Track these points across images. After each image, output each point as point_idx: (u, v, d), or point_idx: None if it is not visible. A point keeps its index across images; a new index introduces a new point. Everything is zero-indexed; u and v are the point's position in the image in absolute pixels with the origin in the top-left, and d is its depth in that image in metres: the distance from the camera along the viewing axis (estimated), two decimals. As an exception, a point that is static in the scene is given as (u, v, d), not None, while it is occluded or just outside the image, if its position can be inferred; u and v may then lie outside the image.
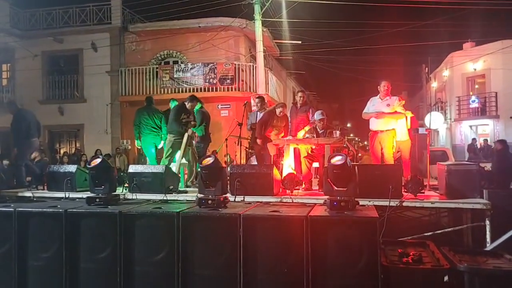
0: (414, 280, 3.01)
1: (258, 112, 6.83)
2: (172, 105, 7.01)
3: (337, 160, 3.28)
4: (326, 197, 3.76)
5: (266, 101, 7.67)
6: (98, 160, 3.81)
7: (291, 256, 3.03)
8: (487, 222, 4.11)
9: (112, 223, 3.31)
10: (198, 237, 3.23)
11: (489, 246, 4.00)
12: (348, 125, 37.98)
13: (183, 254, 3.18)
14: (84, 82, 14.40)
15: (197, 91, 13.24)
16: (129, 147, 14.36)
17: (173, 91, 13.50)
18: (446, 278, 3.21)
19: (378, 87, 5.76)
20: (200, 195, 3.61)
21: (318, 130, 5.55)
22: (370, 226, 2.99)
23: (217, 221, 3.22)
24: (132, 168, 5.31)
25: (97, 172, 3.76)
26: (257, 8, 12.57)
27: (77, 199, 4.53)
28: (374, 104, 5.77)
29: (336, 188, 3.40)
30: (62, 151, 14.26)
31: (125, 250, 3.28)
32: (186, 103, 6.06)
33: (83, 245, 3.40)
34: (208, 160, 3.52)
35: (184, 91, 13.43)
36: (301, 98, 6.27)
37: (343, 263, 3.00)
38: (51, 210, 3.52)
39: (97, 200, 3.66)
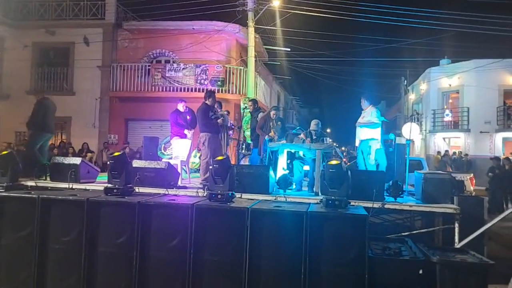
0: (395, 269, 3.52)
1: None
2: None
3: (333, 161, 3.77)
4: (319, 197, 4.25)
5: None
6: (119, 153, 4.15)
7: (291, 245, 3.48)
8: (456, 225, 4.69)
9: (131, 212, 3.65)
10: (210, 227, 3.62)
11: (457, 245, 4.59)
12: (328, 130, 39.11)
13: (195, 242, 3.56)
14: (74, 75, 14.40)
15: (188, 91, 13.55)
16: (116, 141, 14.47)
17: (164, 90, 13.76)
18: (420, 271, 3.75)
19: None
20: (209, 190, 4.00)
21: (313, 136, 6.07)
22: (360, 222, 3.48)
23: (228, 213, 3.64)
24: (136, 163, 5.61)
25: (115, 164, 4.08)
26: (250, 15, 13.06)
27: (87, 190, 4.81)
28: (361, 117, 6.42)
29: (330, 189, 3.89)
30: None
31: (141, 236, 3.63)
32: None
33: (102, 231, 3.73)
34: (222, 157, 3.95)
35: (175, 90, 13.71)
36: (274, 115, 7.01)
37: (336, 253, 3.47)
38: (73, 198, 3.83)
39: (115, 190, 4.00)
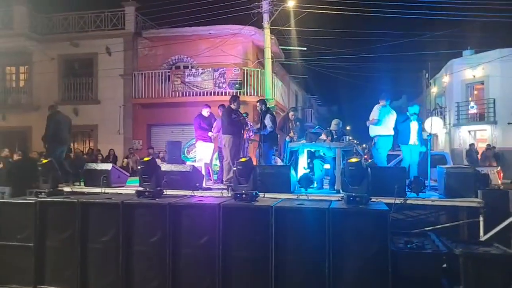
0: (417, 262, 3.60)
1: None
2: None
3: (353, 159, 3.89)
4: (340, 195, 4.36)
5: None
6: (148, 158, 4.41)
7: (315, 241, 3.62)
8: (481, 218, 4.70)
9: (162, 213, 3.90)
10: (236, 225, 3.82)
11: (482, 239, 4.59)
12: (348, 127, 38.79)
13: (223, 239, 3.77)
14: (98, 84, 14.99)
15: (207, 95, 13.86)
16: (140, 147, 14.95)
17: (184, 95, 14.12)
18: (444, 265, 3.80)
19: None
20: (234, 191, 4.20)
21: (334, 135, 6.18)
22: (382, 217, 3.58)
23: (253, 211, 3.82)
24: (163, 167, 5.88)
25: (146, 168, 4.35)
26: (265, 17, 13.22)
27: (120, 194, 5.10)
28: None
29: (351, 186, 4.00)
30: (74, 150, 14.83)
31: (173, 235, 3.87)
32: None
33: (136, 231, 4.00)
34: (244, 158, 4.14)
35: (194, 94, 14.05)
36: (293, 116, 7.13)
37: (359, 248, 3.59)
38: (109, 201, 4.12)
39: (146, 193, 4.26)
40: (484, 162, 14.29)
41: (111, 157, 13.17)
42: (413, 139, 6.37)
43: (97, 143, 14.94)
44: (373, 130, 6.42)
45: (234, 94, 7.40)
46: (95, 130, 15.12)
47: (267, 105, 8.64)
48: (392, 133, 6.43)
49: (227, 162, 6.23)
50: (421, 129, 6.55)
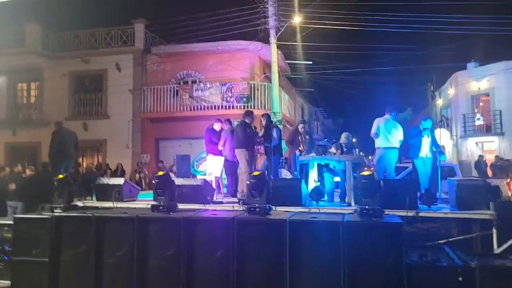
0: (433, 276, 3.58)
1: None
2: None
3: (366, 172, 3.92)
4: (351, 207, 4.38)
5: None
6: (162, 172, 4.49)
7: (329, 254, 3.63)
8: (494, 231, 4.67)
9: (176, 227, 3.94)
10: (250, 238, 3.84)
11: (496, 252, 4.55)
12: (354, 140, 38.81)
13: (238, 252, 3.79)
14: (108, 100, 15.22)
15: (215, 109, 14.00)
16: (149, 161, 15.05)
17: (192, 109, 14.29)
18: (460, 278, 3.77)
19: None
20: (247, 204, 4.24)
21: (343, 148, 6.22)
22: (396, 230, 3.59)
23: (268, 225, 3.85)
24: (175, 181, 5.94)
25: (160, 182, 4.41)
26: (272, 32, 13.45)
27: (134, 208, 5.15)
28: None
29: (363, 199, 4.02)
30: (85, 165, 14.99)
31: (187, 249, 3.90)
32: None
33: (151, 245, 4.03)
34: (257, 172, 4.19)
35: (202, 109, 14.21)
36: (302, 129, 7.20)
37: (373, 261, 3.58)
38: (124, 215, 4.18)
39: (161, 207, 4.31)
40: (501, 174, 14.07)
41: (119, 171, 13.27)
42: (425, 151, 6.39)
43: (106, 158, 15.08)
44: (376, 142, 6.51)
45: (249, 109, 7.53)
46: (104, 144, 15.29)
47: (272, 119, 8.75)
48: (397, 146, 6.46)
49: (246, 174, 6.29)
50: (435, 141, 6.58)
